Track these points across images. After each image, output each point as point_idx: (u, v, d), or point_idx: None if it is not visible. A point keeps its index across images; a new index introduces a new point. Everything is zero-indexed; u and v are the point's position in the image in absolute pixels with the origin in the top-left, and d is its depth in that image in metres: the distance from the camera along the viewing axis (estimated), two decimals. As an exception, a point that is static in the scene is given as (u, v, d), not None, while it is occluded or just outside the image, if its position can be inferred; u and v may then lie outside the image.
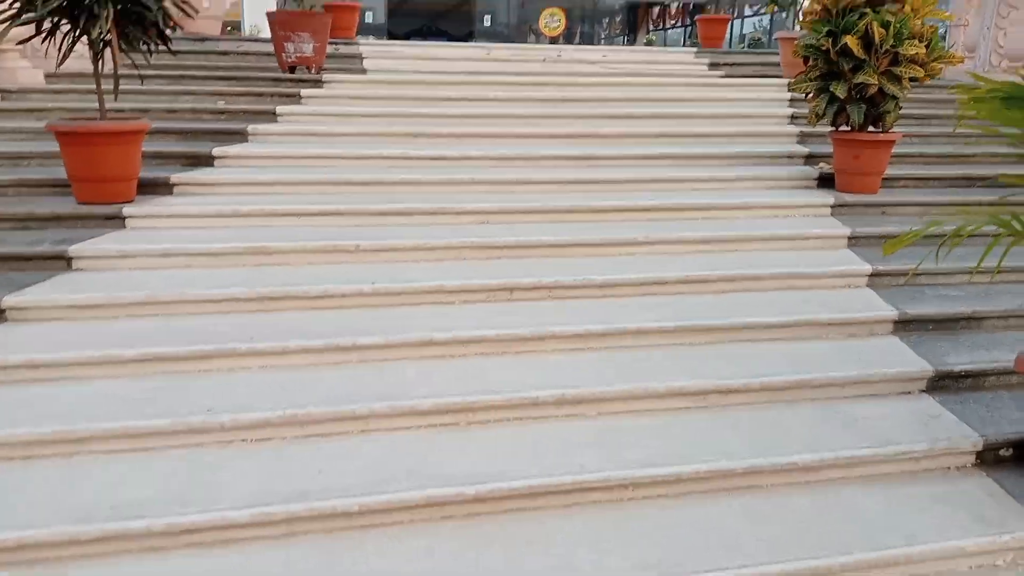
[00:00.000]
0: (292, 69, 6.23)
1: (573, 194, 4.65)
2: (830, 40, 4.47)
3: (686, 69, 9.22)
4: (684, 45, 33.38)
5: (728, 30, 9.55)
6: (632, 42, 34.29)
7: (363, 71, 8.20)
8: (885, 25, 4.33)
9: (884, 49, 4.36)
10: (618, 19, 33.87)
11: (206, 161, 4.79)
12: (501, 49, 9.30)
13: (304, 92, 5.87)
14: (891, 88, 4.42)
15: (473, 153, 5.02)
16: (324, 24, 6.14)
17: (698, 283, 3.79)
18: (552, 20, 29.22)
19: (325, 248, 3.81)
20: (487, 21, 29.88)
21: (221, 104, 5.69)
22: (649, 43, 24.37)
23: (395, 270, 3.72)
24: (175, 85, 6.02)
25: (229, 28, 21.40)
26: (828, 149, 5.06)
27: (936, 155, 5.46)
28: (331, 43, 8.79)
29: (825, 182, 4.96)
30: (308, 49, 6.07)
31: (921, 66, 4.43)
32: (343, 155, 4.88)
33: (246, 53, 7.87)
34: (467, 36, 30.90)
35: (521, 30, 32.97)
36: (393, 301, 3.53)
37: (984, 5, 7.24)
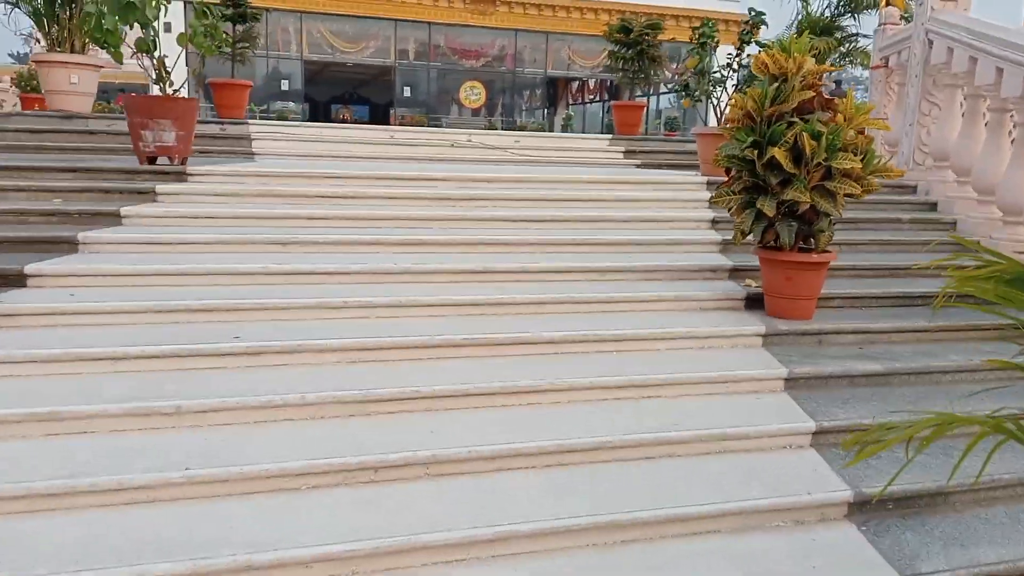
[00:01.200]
0: (152, 160, 5.36)
1: (466, 319, 3.91)
2: (755, 151, 3.93)
3: (600, 157, 8.77)
4: (603, 116, 33.90)
5: (644, 115, 9.18)
6: (552, 114, 34.62)
7: (250, 155, 7.41)
8: (816, 136, 3.82)
9: (816, 163, 3.84)
10: (538, 92, 34.17)
11: (15, 281, 3.85)
12: (406, 132, 8.66)
13: (161, 188, 5.00)
14: (825, 206, 3.89)
15: (352, 267, 4.23)
16: (189, 109, 5.32)
17: (617, 449, 3.07)
18: (472, 93, 29.16)
19: (134, 412, 2.92)
20: (407, 92, 29.55)
21: (56, 203, 4.77)
22: (568, 119, 24.46)
23: (225, 442, 2.86)
24: (7, 179, 5.07)
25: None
26: (754, 261, 4.49)
27: (870, 268, 4.98)
28: (219, 123, 7.99)
29: (753, 302, 4.38)
30: (169, 138, 5.22)
31: (857, 180, 3.92)
32: (188, 271, 4.01)
33: (118, 133, 6.97)
34: (388, 105, 30.50)
35: (443, 100, 32.84)
36: (217, 492, 2.66)
37: (903, 100, 7.02)
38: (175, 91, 5.27)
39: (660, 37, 9.27)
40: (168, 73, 5.22)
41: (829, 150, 3.83)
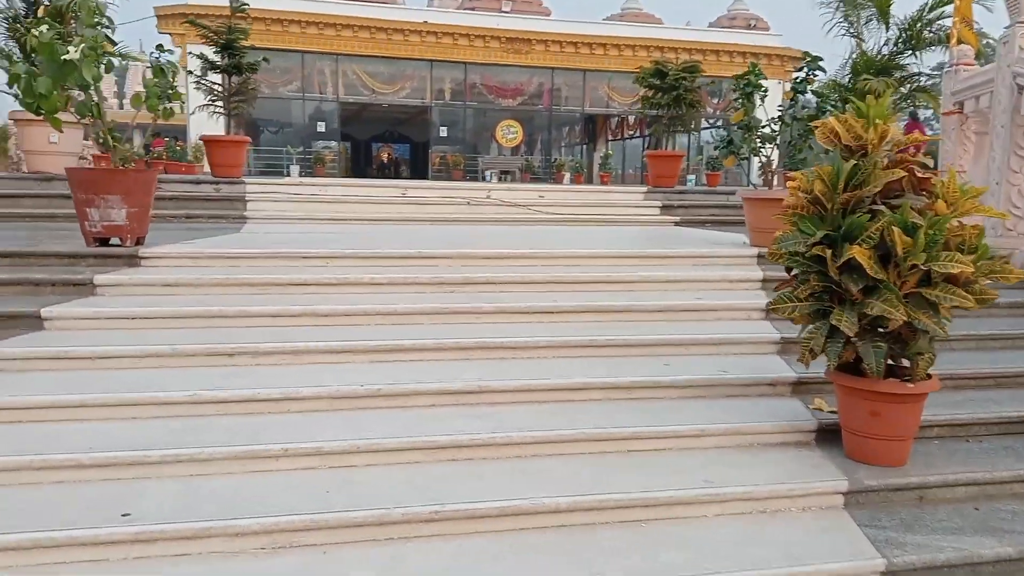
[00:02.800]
0: (102, 241, 4.55)
1: (442, 475, 2.93)
2: (827, 249, 2.92)
3: (634, 214, 7.80)
4: (643, 154, 32.84)
5: (683, 164, 8.20)
6: (591, 150, 33.72)
7: (241, 220, 6.63)
8: (910, 231, 2.80)
9: (910, 264, 2.82)
10: (577, 128, 33.36)
11: None
12: (419, 189, 7.80)
13: (103, 279, 4.17)
14: (925, 322, 2.85)
15: (304, 391, 3.29)
16: (141, 183, 4.52)
17: None
18: (509, 132, 28.49)
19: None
20: (444, 131, 29.00)
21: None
22: (606, 157, 23.58)
23: None
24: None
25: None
26: (823, 368, 3.45)
27: (971, 376, 3.88)
28: (214, 182, 7.24)
29: (826, 436, 3.32)
30: (119, 216, 4.42)
31: (964, 286, 2.88)
32: (89, 402, 3.12)
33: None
34: (426, 144, 29.91)
35: (481, 138, 32.21)
36: None
37: (985, 152, 5.91)
38: (156, 157, 4.47)
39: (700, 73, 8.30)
40: (118, 139, 4.43)
41: (928, 248, 2.80)
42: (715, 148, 5.31)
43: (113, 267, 4.38)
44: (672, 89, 7.98)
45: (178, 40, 24.55)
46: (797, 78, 5.22)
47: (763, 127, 5.02)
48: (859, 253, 2.79)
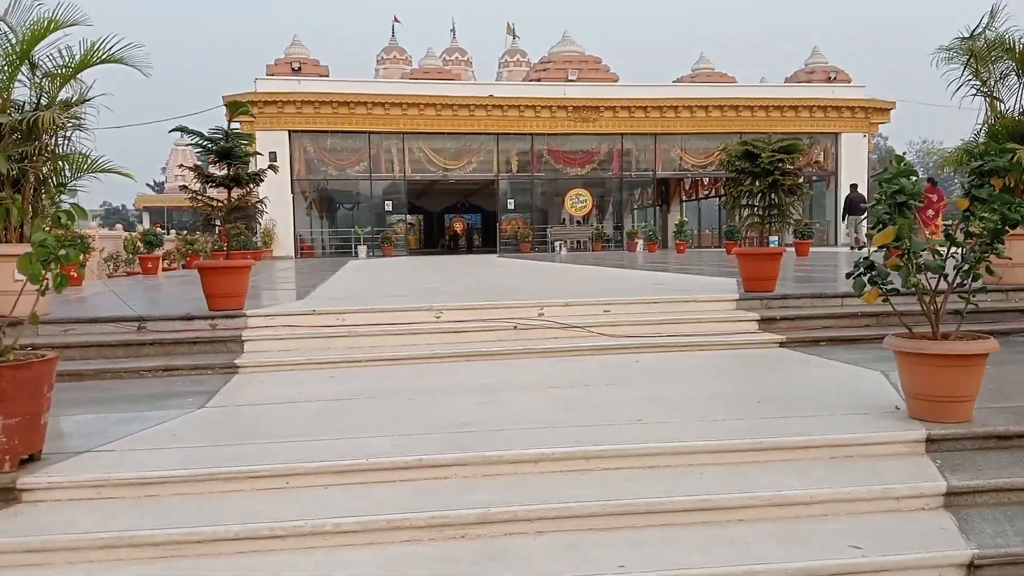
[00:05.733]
0: (-22, 459, 3.16)
1: None
2: None
3: (723, 333, 6.04)
4: (721, 214, 30.69)
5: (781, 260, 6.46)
6: (665, 212, 31.94)
7: (232, 371, 5.24)
8: None
9: None
10: (649, 190, 31.71)
11: None
12: (458, 311, 6.29)
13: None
14: None
15: None
16: (28, 383, 3.12)
17: None
18: (578, 201, 27.10)
19: None
20: (511, 204, 27.87)
21: None
22: (681, 226, 21.82)
23: None
24: None
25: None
26: None
27: None
28: (209, 318, 5.93)
29: None
30: (-12, 433, 3.02)
31: None
32: None
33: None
34: (495, 213, 28.78)
35: (550, 205, 30.96)
36: None
37: None
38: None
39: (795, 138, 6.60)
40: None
41: None
42: (847, 275, 3.57)
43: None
44: (767, 174, 6.29)
45: (246, 127, 24.45)
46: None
47: (923, 249, 3.27)
48: None
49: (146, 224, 31.87)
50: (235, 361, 5.29)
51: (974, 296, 3.60)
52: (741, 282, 7.01)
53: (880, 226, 3.45)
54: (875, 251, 3.55)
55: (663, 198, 32.05)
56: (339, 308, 6.17)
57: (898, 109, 26.91)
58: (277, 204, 25.13)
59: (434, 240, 41.05)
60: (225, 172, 5.89)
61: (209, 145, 5.85)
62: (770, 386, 4.53)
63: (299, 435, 3.62)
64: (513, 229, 27.85)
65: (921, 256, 3.43)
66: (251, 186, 5.94)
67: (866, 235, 18.53)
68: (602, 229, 27.81)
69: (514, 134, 26.17)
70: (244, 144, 5.98)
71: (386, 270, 15.27)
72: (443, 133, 25.65)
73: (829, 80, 27.06)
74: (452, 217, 41.80)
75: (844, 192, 24.82)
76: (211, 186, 5.91)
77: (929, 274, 3.48)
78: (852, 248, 18.41)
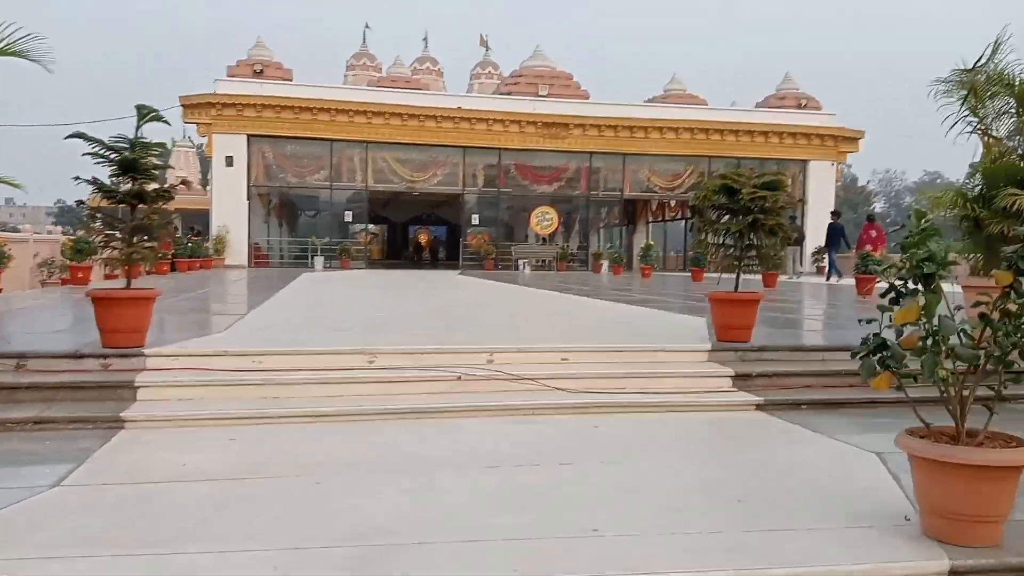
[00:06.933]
0: None
1: None
2: None
3: (694, 392, 5.31)
4: (687, 237, 30.30)
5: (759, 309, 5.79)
6: (632, 232, 31.43)
7: (115, 426, 4.37)
8: None
9: None
10: (616, 210, 31.12)
11: None
12: (395, 356, 5.48)
13: None
14: None
15: None
16: None
17: None
18: (544, 219, 26.39)
19: None
20: (475, 219, 27.10)
21: None
22: (646, 250, 21.25)
23: None
24: None
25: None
26: None
27: None
28: (102, 356, 5.04)
29: None
30: None
31: None
32: None
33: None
34: (460, 226, 27.91)
35: (516, 221, 30.23)
36: None
37: None
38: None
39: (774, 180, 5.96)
40: None
41: None
42: (852, 355, 2.85)
43: None
44: (746, 212, 5.62)
45: (204, 129, 23.31)
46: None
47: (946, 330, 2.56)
48: None
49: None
50: (122, 414, 4.42)
51: (1006, 387, 2.92)
52: (713, 328, 6.31)
53: (896, 297, 2.76)
54: (888, 327, 2.86)
55: (630, 218, 31.56)
56: (255, 349, 5.32)
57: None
58: (232, 211, 24.11)
59: (398, 251, 39.98)
60: (128, 187, 5.01)
61: (111, 155, 4.98)
62: (752, 473, 3.80)
63: (158, 542, 2.78)
64: (479, 244, 27.04)
65: (950, 340, 2.74)
66: (155, 202, 5.07)
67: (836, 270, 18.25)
68: (567, 249, 27.17)
69: (482, 148, 25.40)
70: (154, 154, 5.10)
71: (336, 287, 14.35)
72: (409, 144, 24.77)
73: (800, 107, 26.85)
74: (417, 228, 40.84)
75: (811, 220, 24.57)
76: (110, 202, 5.04)
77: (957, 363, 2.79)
78: (828, 280, 17.99)
